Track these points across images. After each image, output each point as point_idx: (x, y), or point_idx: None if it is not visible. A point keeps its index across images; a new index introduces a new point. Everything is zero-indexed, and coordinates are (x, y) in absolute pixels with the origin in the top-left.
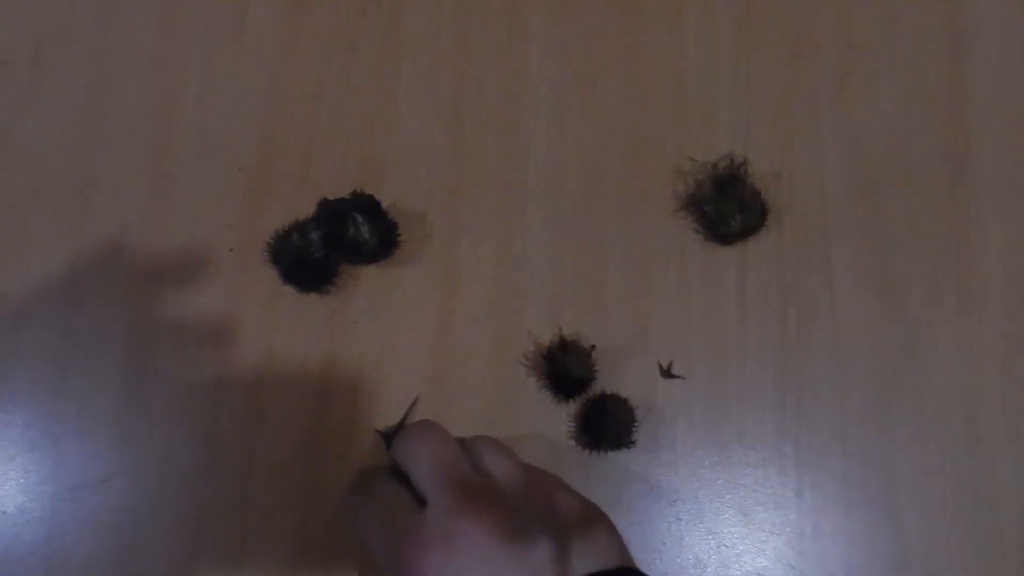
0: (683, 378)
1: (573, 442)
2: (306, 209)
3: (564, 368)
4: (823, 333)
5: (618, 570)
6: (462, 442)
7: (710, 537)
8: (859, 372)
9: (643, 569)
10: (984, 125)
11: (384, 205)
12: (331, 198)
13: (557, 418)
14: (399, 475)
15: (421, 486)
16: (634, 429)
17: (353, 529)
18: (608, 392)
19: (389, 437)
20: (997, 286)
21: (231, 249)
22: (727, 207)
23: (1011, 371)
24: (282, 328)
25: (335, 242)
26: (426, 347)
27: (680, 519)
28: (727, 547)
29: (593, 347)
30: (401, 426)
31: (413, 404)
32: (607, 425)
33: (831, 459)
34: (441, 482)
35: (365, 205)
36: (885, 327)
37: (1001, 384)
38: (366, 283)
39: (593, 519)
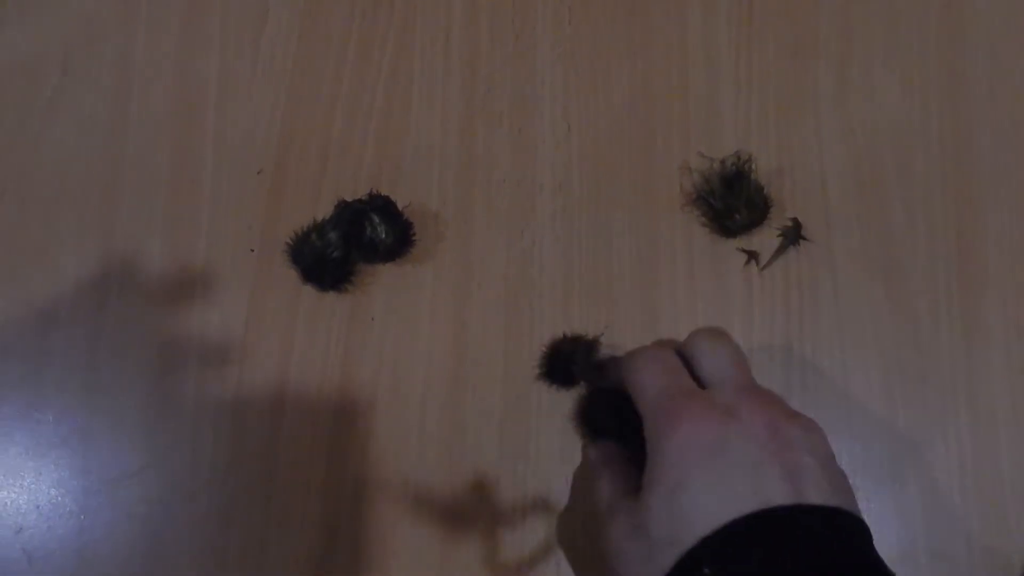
0: None
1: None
2: (324, 210)
3: (567, 363)
4: (827, 320)
5: (835, 510)
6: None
7: None
8: (862, 357)
9: None
10: (981, 116)
11: (399, 205)
12: (348, 199)
13: (571, 408)
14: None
15: (702, 373)
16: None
17: (628, 371)
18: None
19: (588, 366)
20: (996, 271)
21: (252, 250)
22: (733, 201)
23: (1011, 354)
24: (302, 326)
25: (353, 242)
26: (442, 341)
27: None
28: None
29: (597, 339)
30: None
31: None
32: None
33: (836, 442)
34: (737, 371)
35: (381, 205)
36: (887, 313)
37: (1002, 367)
38: (383, 281)
39: (832, 457)
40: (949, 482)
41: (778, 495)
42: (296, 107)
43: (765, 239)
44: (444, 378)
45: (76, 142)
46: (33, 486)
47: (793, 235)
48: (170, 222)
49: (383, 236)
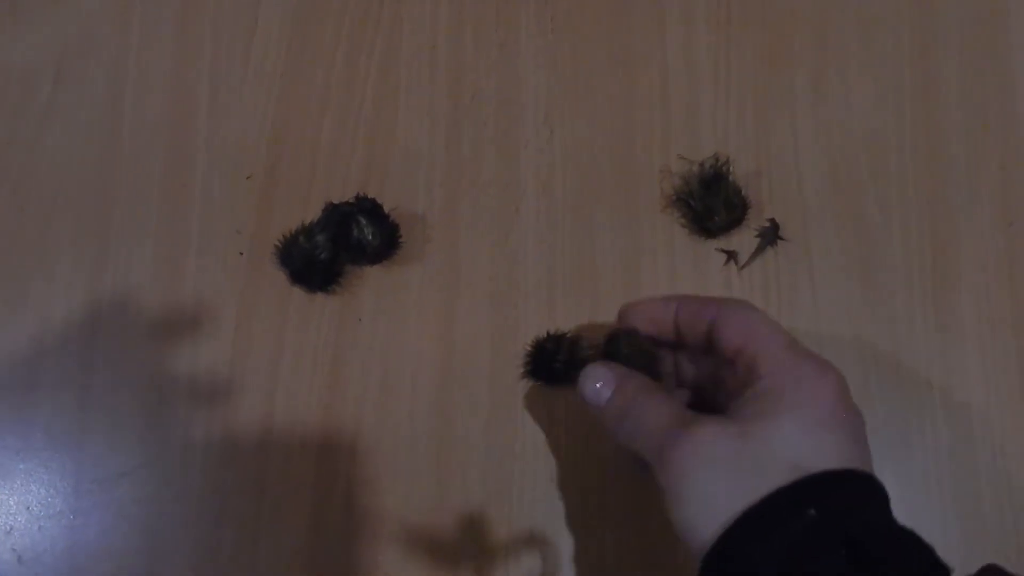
0: None
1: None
2: (313, 214)
3: (550, 360)
4: (805, 318)
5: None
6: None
7: None
8: (840, 354)
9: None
10: (953, 119)
11: (386, 208)
12: (336, 202)
13: (557, 404)
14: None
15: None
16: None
17: (742, 316)
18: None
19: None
20: (968, 268)
21: (242, 253)
22: (713, 203)
23: (984, 348)
24: (291, 327)
25: (341, 244)
26: (429, 341)
27: None
28: None
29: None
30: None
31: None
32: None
33: None
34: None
35: (369, 208)
36: (863, 311)
37: (976, 361)
38: (370, 282)
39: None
40: (925, 475)
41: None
42: (286, 113)
43: (744, 239)
44: (432, 376)
45: (69, 149)
46: (24, 487)
47: (771, 235)
48: (162, 227)
49: (370, 238)
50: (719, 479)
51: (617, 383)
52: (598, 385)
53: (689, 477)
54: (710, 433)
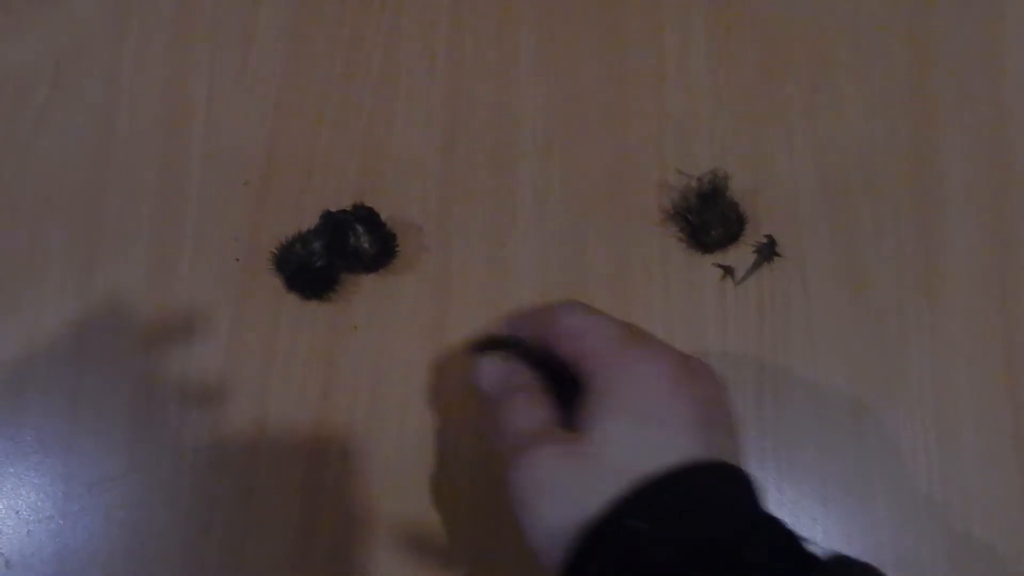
0: None
1: None
2: (309, 221)
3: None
4: (799, 333)
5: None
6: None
7: None
8: (833, 369)
9: None
10: (945, 134)
11: (383, 217)
12: (333, 210)
13: None
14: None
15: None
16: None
17: (570, 317)
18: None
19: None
20: (960, 283)
21: (237, 259)
22: (710, 218)
23: (975, 364)
24: (285, 334)
25: (336, 251)
26: (422, 350)
27: None
28: None
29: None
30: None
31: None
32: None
33: (807, 452)
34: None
35: (365, 216)
36: (857, 325)
37: (966, 377)
38: (365, 291)
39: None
40: (916, 491)
41: (717, 450)
42: (283, 121)
43: (740, 255)
44: (424, 386)
45: (63, 153)
46: (13, 491)
47: (768, 252)
48: (156, 232)
49: (366, 246)
50: (554, 502)
51: (505, 378)
52: (488, 375)
53: (527, 506)
54: (543, 455)
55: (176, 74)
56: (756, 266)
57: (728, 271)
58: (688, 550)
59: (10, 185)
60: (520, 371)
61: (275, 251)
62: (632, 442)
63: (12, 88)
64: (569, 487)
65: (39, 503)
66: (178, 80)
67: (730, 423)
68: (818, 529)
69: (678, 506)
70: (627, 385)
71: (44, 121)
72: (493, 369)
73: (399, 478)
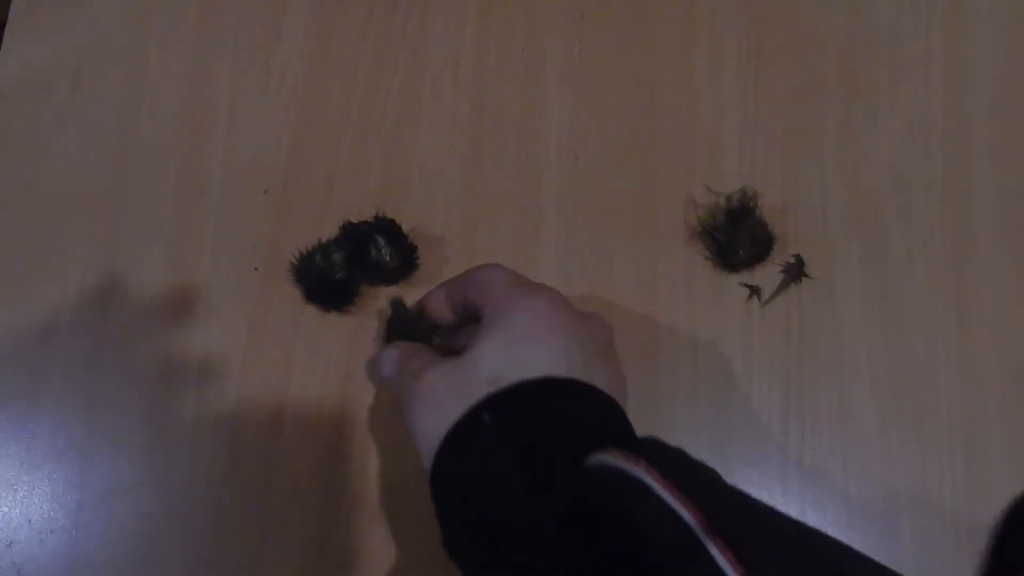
0: None
1: None
2: (329, 231)
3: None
4: (826, 355)
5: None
6: None
7: None
8: (860, 394)
9: None
10: (982, 159)
11: (404, 228)
12: (354, 220)
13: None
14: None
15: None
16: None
17: (473, 276)
18: None
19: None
20: (992, 312)
21: (256, 268)
22: (738, 237)
23: (1006, 394)
24: (303, 346)
25: (357, 263)
26: None
27: None
28: None
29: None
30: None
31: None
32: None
33: (833, 478)
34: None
35: (387, 228)
36: (885, 351)
37: (997, 407)
38: (385, 303)
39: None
40: (942, 522)
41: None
42: (305, 128)
43: (767, 274)
44: None
45: (83, 156)
46: (26, 499)
47: (796, 272)
48: (175, 238)
49: (388, 259)
50: (433, 410)
51: (401, 359)
52: (386, 364)
53: (414, 422)
54: (428, 376)
55: (198, 78)
56: (784, 286)
57: (755, 291)
58: (521, 450)
59: (29, 185)
60: (414, 347)
61: (294, 261)
62: (503, 357)
63: (33, 89)
64: (445, 396)
65: (52, 512)
66: (199, 84)
67: (608, 359)
68: None
69: (523, 409)
70: (509, 314)
71: (64, 122)
72: (390, 357)
73: (420, 492)
